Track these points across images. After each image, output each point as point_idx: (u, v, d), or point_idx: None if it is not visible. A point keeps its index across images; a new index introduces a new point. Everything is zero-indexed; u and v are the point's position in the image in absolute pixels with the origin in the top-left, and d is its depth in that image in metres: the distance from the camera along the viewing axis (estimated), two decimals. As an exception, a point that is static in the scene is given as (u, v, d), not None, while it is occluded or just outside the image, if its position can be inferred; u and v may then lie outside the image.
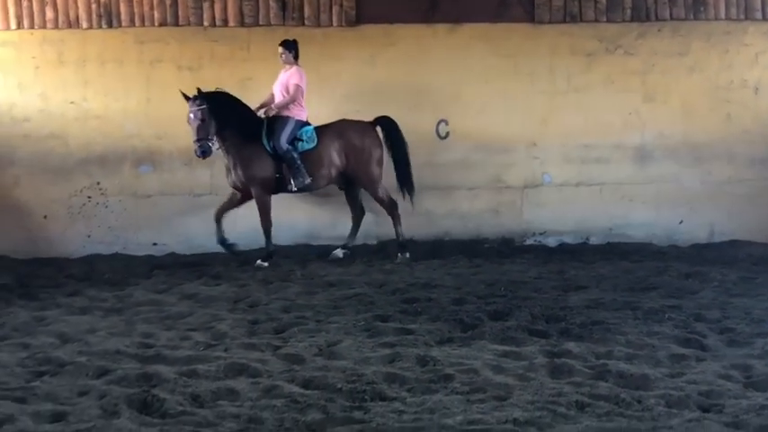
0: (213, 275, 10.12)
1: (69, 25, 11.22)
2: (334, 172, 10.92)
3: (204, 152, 10.29)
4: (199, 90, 10.23)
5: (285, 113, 10.72)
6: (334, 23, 11.51)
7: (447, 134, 11.74)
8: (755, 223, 11.76)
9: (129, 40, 11.34)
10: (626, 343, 6.68)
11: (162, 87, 11.36)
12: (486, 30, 11.63)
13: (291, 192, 10.86)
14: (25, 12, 11.15)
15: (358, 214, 11.27)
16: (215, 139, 10.45)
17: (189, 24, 11.39)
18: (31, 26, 11.19)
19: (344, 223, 11.52)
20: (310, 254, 11.25)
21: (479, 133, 11.73)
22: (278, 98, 10.81)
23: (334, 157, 10.85)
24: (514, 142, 11.82)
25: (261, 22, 11.47)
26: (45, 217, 11.42)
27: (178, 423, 5.00)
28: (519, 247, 11.61)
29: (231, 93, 10.59)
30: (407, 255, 10.94)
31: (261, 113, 10.86)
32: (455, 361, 6.23)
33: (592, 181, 11.86)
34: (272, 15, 11.46)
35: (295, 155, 10.59)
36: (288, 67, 10.80)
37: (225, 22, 11.42)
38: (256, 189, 10.69)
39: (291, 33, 11.33)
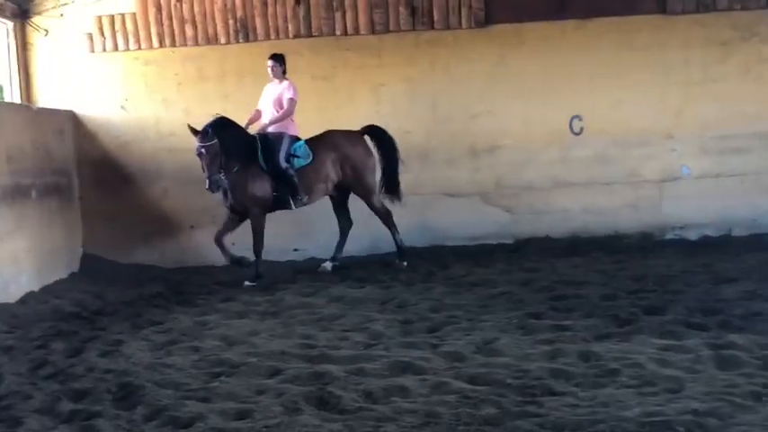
0: (356, 278, 10.31)
1: (208, 42, 11.62)
2: (330, 185, 10.81)
3: (219, 187, 10.06)
4: (212, 125, 9.99)
5: (279, 130, 10.49)
6: (464, 25, 11.57)
7: (581, 130, 11.68)
8: None
9: (265, 53, 11.58)
10: (791, 334, 6.59)
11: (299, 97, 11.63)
12: (617, 23, 11.53)
13: (290, 209, 10.64)
14: (166, 31, 11.60)
15: (345, 226, 11.15)
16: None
17: (321, 35, 11.64)
18: (173, 44, 11.63)
19: (478, 223, 11.62)
20: (447, 255, 11.33)
21: (614, 128, 11.65)
22: (268, 114, 10.55)
23: (330, 170, 10.71)
24: (650, 135, 11.69)
25: (391, 29, 11.62)
26: (192, 227, 11.82)
27: (358, 418, 5.15)
28: (659, 242, 11.47)
29: (228, 117, 10.33)
30: (405, 263, 10.80)
31: (252, 131, 10.66)
32: (618, 356, 6.23)
33: (732, 172, 11.62)
34: (401, 21, 11.59)
35: (292, 172, 10.39)
36: (276, 81, 10.57)
37: (356, 31, 11.61)
38: (255, 210, 10.47)
39: (422, 38, 11.57)
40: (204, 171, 9.90)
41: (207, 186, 9.90)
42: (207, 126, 9.92)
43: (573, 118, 11.68)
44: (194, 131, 9.86)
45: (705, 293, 8.22)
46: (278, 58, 10.54)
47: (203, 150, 9.82)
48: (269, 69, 10.48)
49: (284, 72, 10.59)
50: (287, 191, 10.41)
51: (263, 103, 10.66)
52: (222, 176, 10.01)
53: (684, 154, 11.69)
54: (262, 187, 10.40)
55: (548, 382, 5.69)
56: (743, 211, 11.57)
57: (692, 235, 11.62)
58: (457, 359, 6.41)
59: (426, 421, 5.01)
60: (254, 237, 10.47)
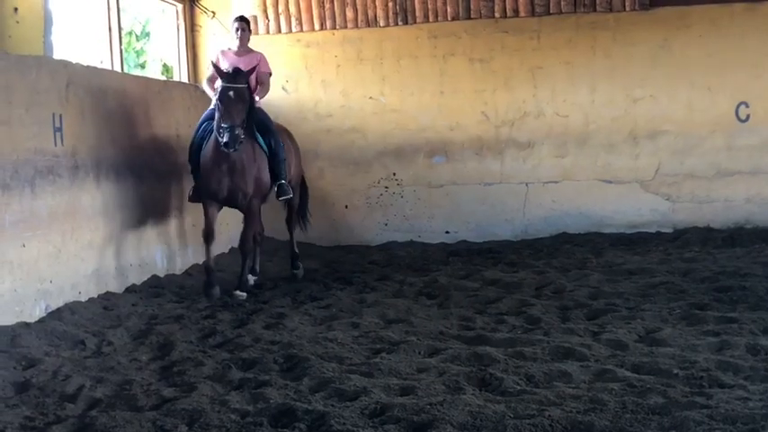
0: (508, 263, 10.31)
1: (368, 24, 11.79)
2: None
3: (240, 142, 8.16)
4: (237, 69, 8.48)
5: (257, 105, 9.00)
6: (627, 8, 11.37)
7: (747, 117, 11.33)
8: None
9: (423, 35, 11.76)
10: None
11: (454, 80, 11.76)
12: (790, 6, 11.14)
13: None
14: (327, 13, 11.83)
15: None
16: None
17: (480, 17, 11.64)
18: (333, 27, 11.85)
19: (636, 211, 11.47)
20: (604, 242, 11.20)
21: (784, 115, 11.25)
22: None
23: (291, 158, 9.61)
24: (825, 123, 11.24)
25: (552, 11, 11.53)
26: (346, 206, 12.07)
27: (521, 401, 5.16)
28: (828, 235, 10.99)
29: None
30: (299, 271, 9.86)
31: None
32: (789, 350, 6.07)
33: None
34: (563, 3, 11.48)
35: (284, 157, 9.08)
36: (243, 50, 9.24)
37: (516, 13, 11.57)
38: (256, 201, 8.87)
39: (583, 20, 11.46)
40: (223, 120, 8.10)
41: (225, 140, 8.02)
42: (237, 68, 8.49)
43: (739, 104, 11.34)
44: (219, 70, 8.45)
45: None
46: (248, 22, 9.46)
47: (231, 93, 8.14)
48: (237, 33, 9.18)
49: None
50: (282, 179, 8.96)
51: None
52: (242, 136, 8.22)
53: None
54: (266, 172, 8.87)
55: (715, 373, 5.56)
56: None
57: None
58: (619, 347, 6.34)
59: (591, 407, 4.98)
60: (250, 235, 9.01)
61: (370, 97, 11.90)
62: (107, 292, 8.17)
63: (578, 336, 6.73)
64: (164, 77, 12.08)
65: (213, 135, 8.43)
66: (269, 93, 9.56)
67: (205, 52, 12.18)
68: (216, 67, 8.53)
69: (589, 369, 5.82)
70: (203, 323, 7.50)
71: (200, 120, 9.07)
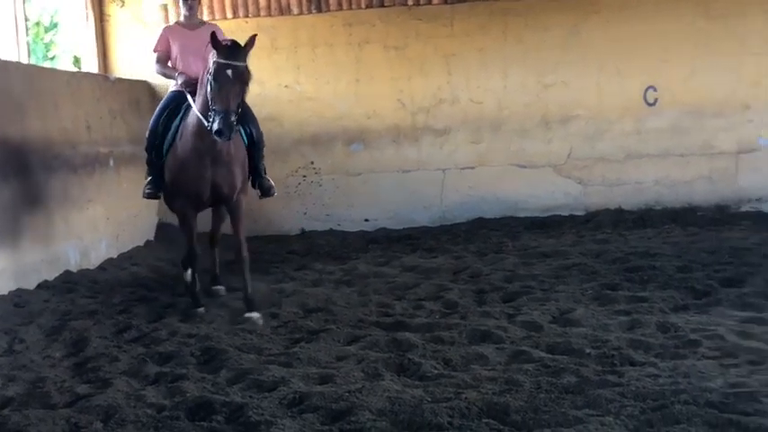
0: (426, 248, 10.38)
1: (281, 12, 11.69)
2: None
3: (235, 131, 6.74)
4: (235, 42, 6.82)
5: None
6: (538, -6, 11.52)
7: (655, 100, 11.54)
8: None
9: (337, 23, 11.70)
10: None
11: (370, 68, 11.74)
12: (695, -11, 11.38)
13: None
14: (240, 1, 11.70)
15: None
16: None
17: (394, 5, 11.63)
18: (246, 15, 11.72)
19: (549, 194, 11.63)
20: (518, 226, 11.32)
21: (689, 98, 11.48)
22: (200, 68, 7.16)
23: None
24: (726, 106, 11.49)
25: (447, 1, 11.58)
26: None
27: (439, 385, 5.20)
28: (735, 214, 11.29)
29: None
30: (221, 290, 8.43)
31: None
32: (696, 327, 6.22)
33: (813, 143, 11.44)
34: (475, -12, 11.57)
35: (263, 145, 7.92)
36: (195, 22, 7.99)
37: (429, 1, 11.59)
38: (242, 196, 7.61)
39: (495, 6, 11.58)
40: (215, 103, 6.56)
41: (218, 128, 6.47)
42: (235, 41, 6.83)
43: (647, 89, 11.54)
44: (216, 42, 6.67)
45: (784, 266, 8.13)
46: None
47: (229, 72, 6.53)
48: (185, 3, 7.90)
49: None
50: (263, 174, 7.92)
51: (185, 56, 7.72)
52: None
53: (761, 125, 11.45)
54: (247, 164, 7.63)
55: (627, 352, 5.69)
56: (825, 183, 11.38)
57: (768, 207, 11.45)
58: (534, 329, 6.44)
59: (507, 388, 5.05)
60: (244, 237, 7.60)
61: (286, 86, 11.82)
62: (18, 289, 7.95)
63: (494, 318, 6.82)
64: (74, 69, 11.81)
65: (190, 122, 7.10)
66: None
67: (115, 42, 11.95)
68: (214, 38, 6.67)
69: (505, 351, 5.90)
70: (118, 318, 7.35)
71: (161, 105, 7.75)
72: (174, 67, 7.83)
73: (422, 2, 11.59)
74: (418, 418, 4.58)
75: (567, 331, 6.31)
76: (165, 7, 11.78)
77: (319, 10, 11.66)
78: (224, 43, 6.72)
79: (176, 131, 7.36)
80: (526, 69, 11.61)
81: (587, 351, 5.73)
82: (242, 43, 6.76)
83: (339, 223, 11.90)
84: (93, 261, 9.59)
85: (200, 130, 6.95)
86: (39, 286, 8.30)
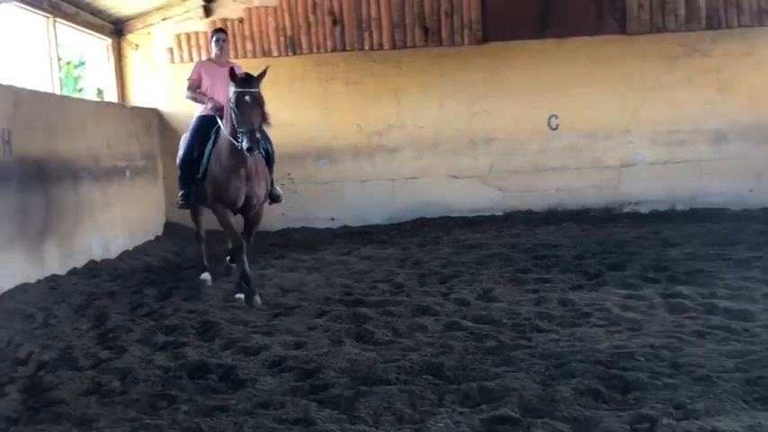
0: (379, 241, 10.36)
1: (264, 54, 11.58)
2: None
3: (261, 145, 6.58)
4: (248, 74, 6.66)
5: None
6: (466, 42, 11.53)
7: (557, 126, 11.65)
8: (815, 190, 11.34)
9: (309, 63, 11.64)
10: (725, 286, 6.57)
11: (335, 99, 11.71)
12: (588, 42, 11.46)
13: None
14: (230, 46, 11.55)
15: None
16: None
17: (354, 50, 11.61)
18: (236, 56, 11.50)
19: (475, 199, 11.66)
20: (452, 224, 11.35)
21: (583, 125, 11.61)
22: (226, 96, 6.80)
23: None
24: (612, 130, 11.63)
25: (408, 45, 11.59)
26: (250, 200, 11.87)
27: (389, 349, 5.20)
28: (618, 215, 11.44)
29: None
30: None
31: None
32: (589, 302, 6.27)
33: (677, 159, 11.57)
34: (416, 39, 11.57)
35: (274, 159, 7.60)
36: (223, 60, 7.68)
37: (381, 47, 11.59)
38: (263, 206, 7.32)
39: (434, 52, 11.57)
40: (241, 126, 6.30)
41: (247, 145, 6.24)
42: (248, 73, 6.70)
43: (551, 117, 11.64)
44: (233, 75, 6.47)
45: (656, 254, 8.23)
46: (227, 34, 8.02)
47: (247, 98, 6.35)
48: (217, 44, 7.68)
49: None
50: (273, 184, 7.55)
51: (216, 87, 7.40)
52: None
53: (639, 145, 11.63)
54: (268, 176, 7.31)
55: (535, 322, 5.73)
56: (685, 190, 11.54)
57: (644, 209, 11.57)
58: (463, 304, 6.46)
59: (442, 351, 5.06)
60: (254, 234, 7.48)
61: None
62: (52, 275, 7.81)
63: (432, 296, 6.82)
64: (97, 99, 11.64)
65: (222, 145, 6.76)
66: None
67: (131, 77, 11.79)
68: (232, 72, 6.48)
69: (440, 322, 5.90)
70: (132, 298, 7.25)
71: (193, 130, 7.42)
72: (203, 94, 7.48)
73: (375, 48, 11.59)
74: (372, 375, 4.58)
75: (489, 306, 6.34)
76: (170, 50, 11.65)
77: (294, 53, 11.60)
78: (240, 76, 6.52)
79: (209, 154, 6.99)
80: (458, 101, 11.65)
81: (504, 321, 5.76)
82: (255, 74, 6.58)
83: (311, 222, 11.82)
84: (113, 252, 9.44)
85: (233, 151, 6.64)
86: (69, 273, 8.15)
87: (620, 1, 11.36)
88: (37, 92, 8.27)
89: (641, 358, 4.66)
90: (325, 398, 4.27)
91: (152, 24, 11.69)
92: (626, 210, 11.61)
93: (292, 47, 11.60)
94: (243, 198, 6.86)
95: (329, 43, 11.58)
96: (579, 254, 8.50)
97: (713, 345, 4.91)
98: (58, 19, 9.63)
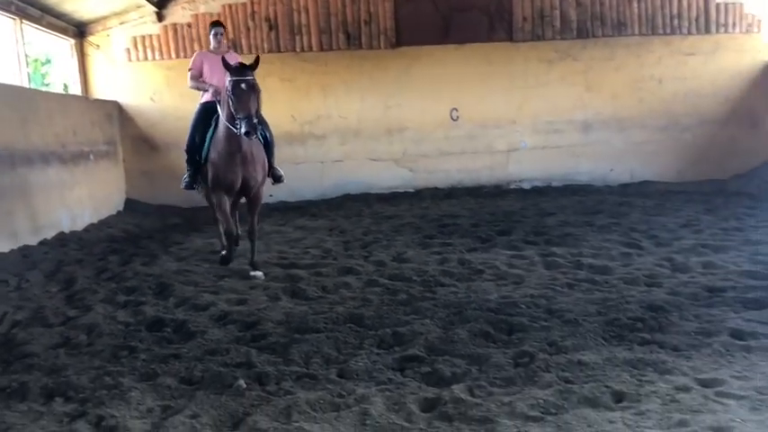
0: (311, 214, 10.27)
1: (209, 54, 11.24)
2: None
3: (258, 130, 5.87)
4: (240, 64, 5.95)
5: None
6: (382, 46, 11.43)
7: (457, 117, 11.72)
8: (660, 169, 11.74)
9: (248, 62, 11.32)
10: (590, 246, 6.81)
11: (272, 94, 11.22)
12: (481, 47, 11.51)
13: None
14: (181, 47, 11.18)
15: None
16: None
17: (287, 51, 11.37)
18: (186, 56, 11.01)
19: (391, 178, 11.64)
20: (372, 199, 11.33)
21: (479, 116, 11.69)
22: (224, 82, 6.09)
23: None
24: (502, 121, 11.75)
25: (333, 48, 11.40)
26: (200, 180, 11.57)
27: (318, 303, 5.20)
28: (506, 190, 11.62)
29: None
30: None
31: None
32: (482, 261, 6.40)
33: (553, 145, 11.80)
34: (340, 42, 11.40)
35: (273, 142, 6.90)
36: (221, 51, 6.94)
37: (310, 48, 11.40)
38: (263, 186, 6.55)
39: (355, 54, 11.41)
40: (239, 112, 5.62)
41: (245, 130, 5.56)
42: (241, 62, 6.05)
43: (452, 110, 11.70)
44: (227, 65, 5.85)
45: (535, 222, 8.43)
46: (224, 26, 7.36)
47: (243, 85, 5.67)
48: (215, 37, 6.99)
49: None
50: (275, 165, 6.84)
51: (215, 75, 6.69)
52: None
53: (523, 133, 11.80)
54: (266, 160, 6.55)
55: (439, 278, 5.82)
56: (559, 170, 11.78)
57: (527, 185, 11.78)
58: (381, 265, 6.49)
59: (363, 304, 5.10)
60: (256, 221, 6.61)
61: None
62: (25, 245, 7.45)
63: (355, 259, 6.84)
64: (63, 92, 11.09)
65: (220, 132, 6.09)
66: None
67: (93, 73, 11.24)
68: (224, 61, 5.86)
69: (362, 280, 5.93)
70: (97, 264, 7.01)
71: (195, 118, 6.74)
72: (204, 81, 6.81)
73: (306, 49, 11.40)
74: (304, 325, 4.58)
75: (402, 266, 6.40)
76: (128, 50, 11.17)
77: (236, 52, 11.17)
78: (234, 65, 5.87)
79: (210, 141, 6.33)
80: (375, 96, 11.58)
81: (414, 278, 5.83)
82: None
83: (252, 198, 11.60)
84: (80, 225, 9.03)
85: (229, 138, 5.97)
86: (40, 243, 7.79)
87: (507, 14, 11.48)
88: (9, 85, 7.83)
89: (523, 306, 4.80)
90: (264, 345, 4.25)
91: (111, 27, 11.15)
92: (512, 186, 11.80)
93: (234, 48, 11.25)
94: (239, 182, 6.17)
95: (266, 45, 11.31)
96: (475, 222, 8.64)
97: (580, 294, 5.10)
98: (24, 21, 9.09)
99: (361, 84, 11.58)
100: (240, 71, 5.78)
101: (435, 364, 3.77)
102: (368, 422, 3.11)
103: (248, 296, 5.48)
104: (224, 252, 6.65)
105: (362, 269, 6.30)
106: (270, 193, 11.44)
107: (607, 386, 3.38)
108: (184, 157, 6.78)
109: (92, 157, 9.95)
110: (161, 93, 11.36)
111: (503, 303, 4.85)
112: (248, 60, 6.01)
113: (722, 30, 11.61)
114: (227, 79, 5.82)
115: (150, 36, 11.22)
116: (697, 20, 11.59)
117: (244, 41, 11.30)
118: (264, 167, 6.42)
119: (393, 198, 11.31)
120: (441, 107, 11.66)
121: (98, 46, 11.20)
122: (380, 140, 11.75)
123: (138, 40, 11.21)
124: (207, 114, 6.56)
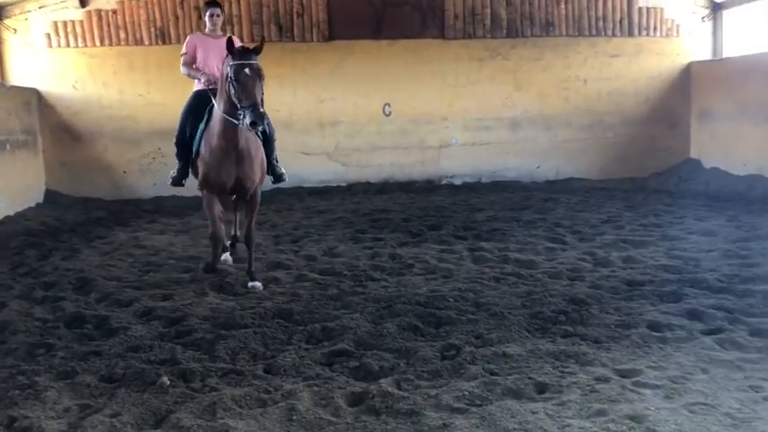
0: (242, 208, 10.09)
1: (136, 43, 10.87)
2: None
3: (262, 123, 5.02)
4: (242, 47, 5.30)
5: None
6: (315, 40, 11.33)
7: (390, 113, 11.72)
8: (585, 166, 12.06)
9: (176, 51, 10.69)
10: (516, 241, 6.96)
11: (201, 84, 11.16)
12: (414, 44, 11.54)
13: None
14: (105, 34, 10.79)
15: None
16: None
17: (218, 41, 11.12)
18: (110, 44, 10.83)
19: (323, 172, 11.58)
20: (303, 193, 11.23)
21: (411, 112, 11.72)
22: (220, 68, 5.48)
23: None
24: (433, 117, 11.81)
25: (265, 40, 11.18)
26: (124, 172, 11.17)
27: (247, 298, 5.13)
28: (437, 186, 11.71)
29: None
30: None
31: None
32: (413, 256, 6.45)
33: (483, 141, 11.97)
34: (272, 34, 11.23)
35: (274, 138, 6.27)
36: (217, 34, 6.19)
37: (241, 40, 11.02)
38: (260, 186, 5.89)
39: (287, 47, 11.26)
40: (243, 100, 4.92)
41: (250, 120, 4.84)
42: (244, 45, 5.46)
43: (385, 105, 11.69)
44: (231, 47, 5.08)
45: (465, 217, 8.54)
46: (222, 7, 6.46)
47: (247, 70, 4.96)
48: (211, 19, 6.16)
49: None
50: (275, 163, 6.18)
51: (209, 60, 6.04)
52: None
53: (454, 130, 11.90)
54: (264, 158, 5.89)
55: (370, 272, 5.84)
56: (488, 166, 11.93)
57: (457, 181, 11.89)
58: (311, 259, 6.47)
59: (292, 299, 5.06)
60: (254, 225, 5.90)
61: (140, 95, 11.03)
62: (-68, 239, 7.06)
63: (285, 254, 6.78)
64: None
65: (215, 124, 5.37)
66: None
67: (10, 59, 10.70)
68: (230, 43, 5.09)
69: (292, 274, 5.89)
70: (13, 258, 6.69)
71: (187, 107, 6.07)
72: (197, 69, 6.09)
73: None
74: (231, 321, 4.50)
75: (333, 260, 6.39)
76: (48, 36, 10.68)
77: (164, 42, 10.95)
78: (237, 48, 5.14)
79: (203, 133, 5.61)
80: (308, 90, 11.46)
81: (345, 273, 5.83)
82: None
83: (180, 191, 11.09)
84: (-6, 218, 8.64)
85: (225, 132, 5.26)
86: (-51, 237, 7.40)
87: (440, 11, 11.58)
88: None
89: (451, 299, 4.86)
90: (189, 341, 4.16)
91: (29, 11, 10.63)
92: (443, 182, 11.91)
93: (162, 37, 10.96)
94: (233, 182, 5.46)
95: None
96: (406, 217, 8.68)
97: (506, 287, 5.21)
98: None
99: (294, 77, 11.43)
100: (244, 54, 5.08)
101: (364, 359, 3.78)
102: (294, 417, 3.09)
103: (174, 292, 5.34)
104: (210, 263, 5.90)
105: (293, 264, 6.25)
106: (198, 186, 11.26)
107: (530, 378, 3.47)
108: (173, 150, 6.08)
109: (8, 146, 9.47)
110: (84, 81, 10.92)
111: (432, 297, 4.90)
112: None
113: (644, 33, 12.06)
114: (229, 63, 5.06)
115: (72, 22, 10.75)
116: (621, 22, 12.00)
117: (173, 30, 10.98)
118: (263, 166, 5.75)
119: (325, 192, 11.24)
120: (373, 102, 11.63)
121: (15, 30, 10.65)
122: (313, 134, 11.64)
123: (60, 26, 10.73)
124: (200, 103, 5.83)
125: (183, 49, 6.24)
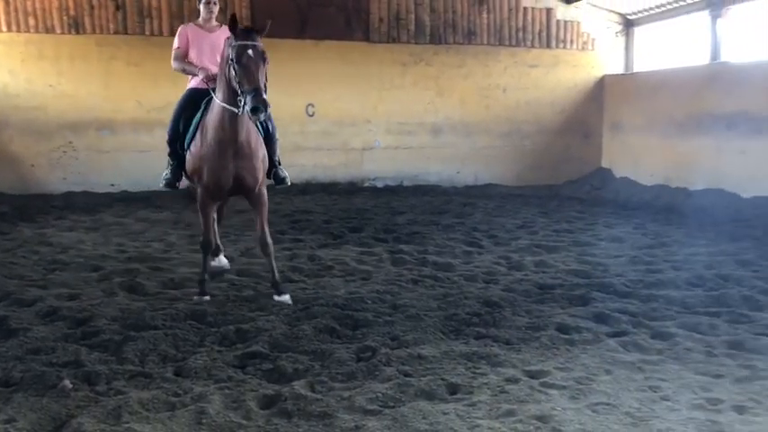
0: (156, 206, 9.81)
1: (47, 31, 10.37)
2: None
3: (268, 107, 4.48)
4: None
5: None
6: (238, 37, 11.15)
7: (313, 113, 11.67)
8: (502, 173, 12.38)
9: (91, 43, 10.59)
10: (435, 245, 7.06)
11: (116, 78, 10.76)
12: (338, 45, 11.56)
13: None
14: (13, 20, 10.24)
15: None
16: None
17: (135, 34, 10.75)
18: (18, 30, 10.29)
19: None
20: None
21: (335, 113, 11.71)
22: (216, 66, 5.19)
23: None
24: (357, 120, 11.85)
25: (182, 33, 10.97)
26: (32, 165, 10.63)
27: (158, 299, 4.98)
28: (360, 188, 11.73)
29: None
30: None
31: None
32: (332, 257, 6.44)
33: (405, 145, 12.09)
34: (193, 29, 10.99)
35: (277, 136, 5.67)
36: (212, 25, 5.67)
37: (161, 33, 10.86)
38: (264, 187, 5.31)
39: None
40: (245, 85, 4.46)
41: (252, 106, 4.36)
42: (248, 25, 5.00)
43: (308, 105, 11.63)
44: (234, 27, 4.59)
45: (386, 220, 8.60)
46: None
47: (250, 52, 4.53)
48: (207, 6, 5.63)
49: None
50: (277, 164, 5.66)
51: (204, 55, 5.49)
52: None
53: (377, 133, 11.98)
54: (266, 155, 5.30)
55: (288, 274, 5.78)
56: (410, 170, 12.07)
57: (380, 184, 11.98)
58: (228, 260, 6.33)
59: (204, 300, 4.94)
60: (267, 229, 5.34)
61: (50, 85, 10.51)
62: None
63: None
64: None
65: (212, 116, 4.83)
66: None
67: None
68: (233, 22, 4.57)
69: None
70: None
71: (181, 102, 5.47)
72: (193, 63, 5.47)
73: (156, 34, 10.84)
74: (141, 322, 4.35)
75: (251, 262, 6.30)
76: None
77: (77, 32, 10.49)
78: (239, 28, 4.60)
79: (197, 126, 5.05)
80: (229, 86, 11.26)
81: (262, 274, 5.74)
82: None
83: (92, 187, 10.80)
84: None
85: (223, 123, 4.74)
86: None
87: (364, 13, 11.63)
88: None
89: (369, 301, 4.88)
90: (96, 342, 3.99)
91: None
92: (366, 184, 11.95)
93: (75, 26, 10.50)
94: (231, 180, 4.89)
95: (111, 26, 10.62)
96: (328, 219, 8.66)
97: (423, 290, 5.27)
98: None
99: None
100: (247, 35, 4.57)
101: (278, 361, 3.73)
102: (204, 421, 3.01)
103: (81, 291, 5.12)
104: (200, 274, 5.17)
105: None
106: (111, 182, 10.88)
107: (443, 379, 3.52)
108: (166, 149, 5.56)
109: None
110: (-12, 69, 10.35)
111: (350, 299, 4.90)
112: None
113: (561, 45, 12.51)
114: (230, 44, 4.59)
115: (-27, 8, 10.18)
116: (540, 34, 12.40)
117: (87, 20, 10.55)
118: (264, 164, 5.18)
119: (245, 192, 11.03)
120: (297, 102, 11.52)
121: None
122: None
123: (-40, 10, 10.12)
124: (196, 98, 5.29)
125: (176, 43, 5.62)
